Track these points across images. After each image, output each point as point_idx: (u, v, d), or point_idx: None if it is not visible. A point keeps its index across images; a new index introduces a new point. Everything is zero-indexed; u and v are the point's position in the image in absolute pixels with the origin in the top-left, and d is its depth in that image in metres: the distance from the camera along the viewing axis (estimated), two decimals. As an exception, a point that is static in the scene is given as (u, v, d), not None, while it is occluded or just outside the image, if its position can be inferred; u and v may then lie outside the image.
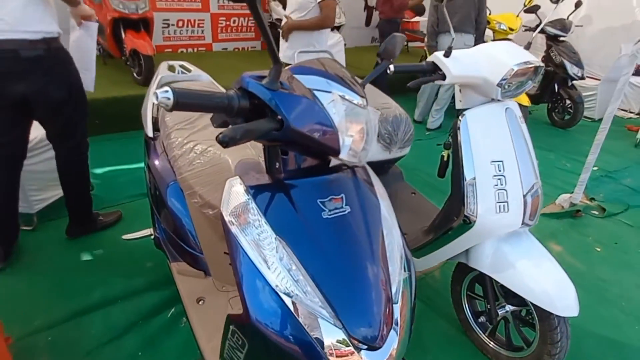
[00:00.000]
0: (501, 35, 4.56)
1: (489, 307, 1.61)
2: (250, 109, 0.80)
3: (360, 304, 0.83)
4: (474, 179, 1.42)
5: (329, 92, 0.84)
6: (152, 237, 1.69)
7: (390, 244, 0.93)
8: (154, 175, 1.58)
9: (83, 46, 1.89)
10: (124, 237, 1.85)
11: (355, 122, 0.87)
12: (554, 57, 4.73)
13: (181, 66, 2.00)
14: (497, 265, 1.49)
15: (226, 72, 4.65)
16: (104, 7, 3.80)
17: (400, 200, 2.15)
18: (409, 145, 2.04)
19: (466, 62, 1.40)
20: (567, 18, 4.82)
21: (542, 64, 1.45)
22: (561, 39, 4.77)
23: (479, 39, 4.05)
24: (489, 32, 4.73)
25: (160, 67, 1.91)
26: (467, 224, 1.46)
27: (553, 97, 4.92)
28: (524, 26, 4.76)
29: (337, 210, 0.88)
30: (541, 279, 1.41)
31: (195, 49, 5.84)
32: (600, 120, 2.77)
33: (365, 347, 0.81)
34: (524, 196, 1.44)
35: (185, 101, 0.70)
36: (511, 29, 4.53)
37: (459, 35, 3.91)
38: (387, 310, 0.85)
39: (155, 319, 1.77)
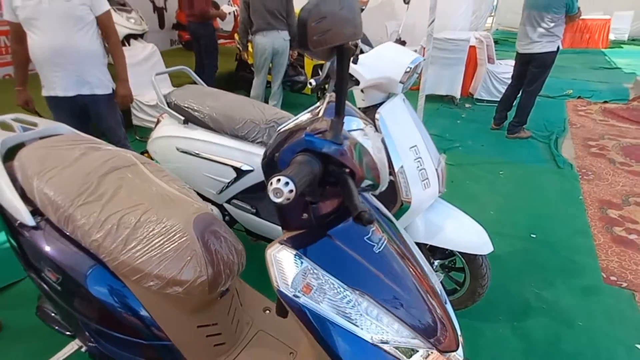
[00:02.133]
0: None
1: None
2: None
3: (431, 317, 0.87)
4: (402, 167, 1.59)
5: (361, 129, 0.81)
6: (84, 349, 1.27)
7: (417, 252, 1.00)
8: (59, 273, 1.18)
9: None
10: None
11: (380, 151, 0.88)
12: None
13: (16, 120, 1.49)
14: (429, 233, 1.74)
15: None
16: None
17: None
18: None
19: (372, 66, 1.53)
20: (350, 5, 5.57)
21: (424, 59, 1.70)
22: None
23: (294, 39, 4.29)
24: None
25: (-13, 128, 1.38)
26: (403, 207, 1.64)
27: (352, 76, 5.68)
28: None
29: (380, 242, 0.89)
30: (463, 232, 1.73)
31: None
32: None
33: (450, 351, 0.87)
34: (436, 170, 1.70)
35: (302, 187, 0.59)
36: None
37: (275, 32, 4.08)
38: (446, 313, 0.92)
39: None
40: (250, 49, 5.31)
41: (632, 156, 4.01)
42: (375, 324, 0.79)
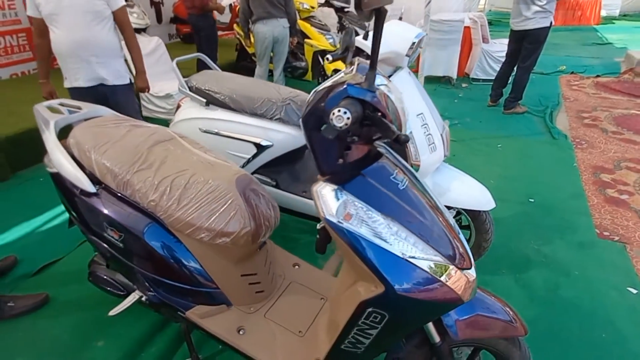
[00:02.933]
0: (306, 14, 5.09)
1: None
2: None
3: (449, 241, 1.05)
4: (411, 132, 1.76)
5: (385, 84, 0.98)
6: (144, 298, 1.45)
7: (432, 192, 1.17)
8: (121, 231, 1.35)
9: None
10: (111, 313, 1.50)
11: (401, 102, 1.05)
12: (346, 26, 5.56)
13: (62, 104, 1.65)
14: (436, 193, 1.90)
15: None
16: None
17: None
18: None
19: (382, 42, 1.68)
20: (345, -10, 5.69)
21: (426, 34, 1.87)
22: (346, 9, 5.63)
23: (293, 27, 4.43)
24: (294, 12, 5.20)
25: (40, 112, 1.54)
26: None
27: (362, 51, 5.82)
28: (318, 3, 5.41)
29: (403, 181, 1.06)
30: (468, 191, 1.90)
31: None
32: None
33: (465, 268, 1.04)
34: (441, 135, 1.87)
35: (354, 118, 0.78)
36: (312, 7, 5.09)
37: (275, 21, 4.21)
38: (459, 240, 1.10)
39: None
40: (250, 38, 5.45)
41: (623, 125, 4.19)
42: (404, 243, 0.96)
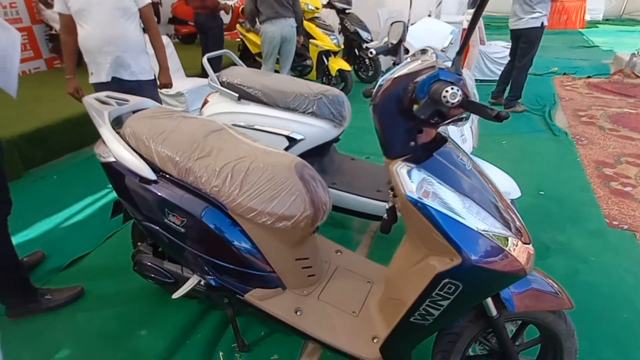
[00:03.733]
0: (310, 14, 5.15)
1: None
2: None
3: (511, 218, 1.13)
4: (445, 124, 1.84)
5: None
6: (202, 282, 1.48)
7: (489, 175, 1.24)
8: (183, 217, 1.39)
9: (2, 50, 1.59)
10: (174, 296, 1.53)
11: (473, 88, 1.12)
12: (348, 27, 5.66)
13: (109, 96, 1.67)
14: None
15: (35, 103, 3.80)
16: None
17: (348, 168, 2.44)
18: (349, 118, 2.33)
19: (419, 37, 1.77)
20: (347, -7, 5.79)
21: (458, 31, 1.96)
22: (347, 11, 5.72)
23: (299, 26, 4.51)
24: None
25: (90, 104, 1.56)
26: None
27: (357, 60, 5.92)
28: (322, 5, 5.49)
29: (468, 163, 1.14)
30: (497, 180, 1.98)
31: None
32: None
33: (525, 243, 1.12)
34: (470, 127, 1.96)
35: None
36: (317, 8, 5.17)
37: (283, 20, 4.27)
38: (518, 218, 1.18)
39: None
40: (253, 38, 5.49)
41: (618, 123, 4.37)
42: (476, 218, 1.04)
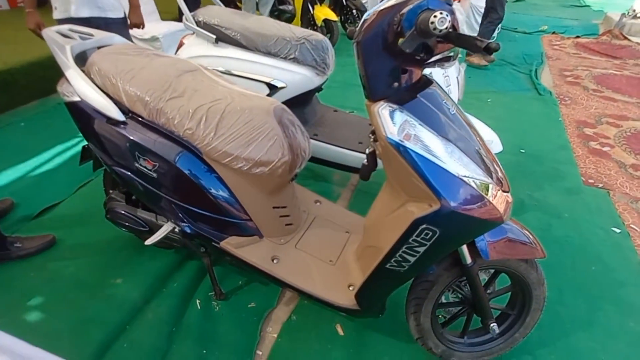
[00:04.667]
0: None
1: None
2: None
3: (492, 164, 1.11)
4: (431, 72, 1.77)
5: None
6: (177, 229, 1.44)
7: (472, 122, 1.21)
8: (155, 161, 1.32)
9: None
10: (147, 242, 1.49)
11: (462, 23, 1.05)
12: (335, -26, 5.36)
13: (72, 30, 1.53)
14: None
15: None
16: None
17: (331, 120, 2.38)
18: (333, 66, 2.23)
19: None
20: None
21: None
22: (335, -44, 5.40)
23: None
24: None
25: (51, 37, 1.42)
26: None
27: (344, 10, 5.67)
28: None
29: (453, 108, 1.09)
30: (480, 132, 1.96)
31: None
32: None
33: (505, 191, 1.11)
34: (457, 78, 1.90)
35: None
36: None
37: None
38: (499, 165, 1.16)
39: (190, 316, 1.62)
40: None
41: (602, 84, 4.36)
42: (457, 163, 1.01)
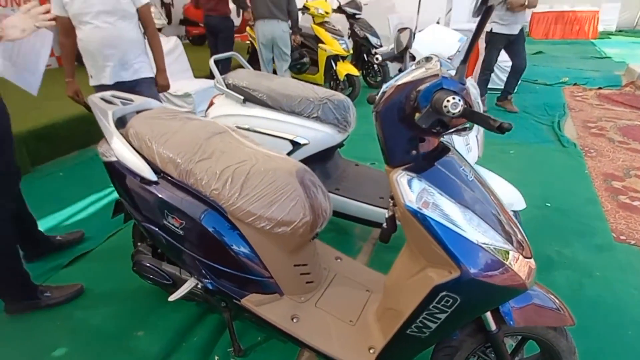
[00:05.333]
0: (320, 19, 5.18)
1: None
2: None
3: (513, 231, 1.11)
4: (450, 132, 1.82)
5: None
6: (200, 285, 1.48)
7: (491, 186, 1.22)
8: (182, 219, 1.39)
9: (31, 50, 1.73)
10: (170, 298, 1.53)
11: (477, 97, 1.11)
12: (357, 32, 5.67)
13: (114, 96, 1.68)
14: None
15: (45, 100, 3.84)
16: None
17: (352, 174, 2.43)
18: (354, 124, 2.31)
19: (426, 44, 1.75)
20: (356, -1, 5.82)
21: (466, 38, 1.94)
22: (357, 16, 5.73)
23: (295, 25, 4.54)
24: (307, 18, 5.30)
25: (95, 103, 1.57)
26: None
27: (365, 65, 5.92)
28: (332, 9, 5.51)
29: (471, 174, 1.12)
30: (501, 191, 1.95)
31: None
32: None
33: (527, 257, 1.10)
34: (476, 136, 1.94)
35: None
36: (327, 12, 5.18)
37: (275, 22, 4.30)
38: (520, 231, 1.15)
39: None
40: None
41: (629, 135, 4.31)
42: (476, 230, 1.02)
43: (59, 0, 2.19)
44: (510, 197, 1.94)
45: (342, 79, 5.11)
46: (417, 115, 0.96)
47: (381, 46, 5.79)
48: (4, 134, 1.74)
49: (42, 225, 2.56)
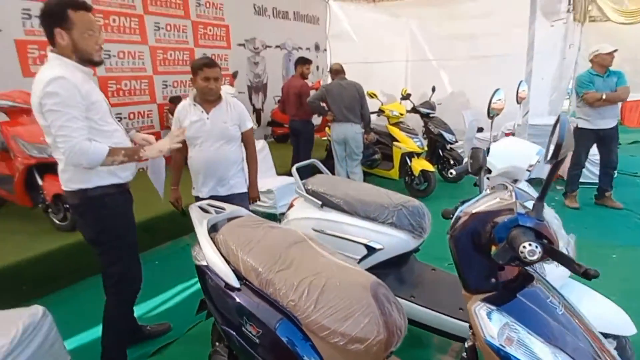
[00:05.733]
0: (395, 120, 5.47)
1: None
2: None
3: None
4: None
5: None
6: None
7: (587, 318, 1.11)
8: (259, 327, 1.45)
9: (155, 169, 2.48)
10: None
11: (560, 228, 1.08)
12: (432, 130, 5.83)
13: (209, 205, 1.92)
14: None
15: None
16: (12, 157, 3.33)
17: (428, 280, 2.34)
18: (429, 230, 2.30)
19: (502, 157, 1.77)
20: (430, 99, 6.10)
21: (543, 150, 1.92)
22: (431, 115, 5.95)
23: (367, 127, 4.83)
24: (384, 119, 5.65)
25: (194, 211, 1.81)
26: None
27: (440, 160, 5.97)
28: (407, 110, 5.83)
29: (560, 306, 1.04)
30: (601, 312, 1.74)
31: (139, 81, 5.67)
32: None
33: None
34: (566, 249, 1.80)
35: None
36: (401, 114, 5.48)
37: (349, 125, 4.63)
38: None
39: None
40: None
41: None
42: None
43: (178, 124, 2.60)
44: (616, 319, 1.72)
45: (417, 175, 5.18)
46: (493, 249, 0.96)
47: (456, 142, 5.86)
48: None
49: (136, 311, 2.80)
